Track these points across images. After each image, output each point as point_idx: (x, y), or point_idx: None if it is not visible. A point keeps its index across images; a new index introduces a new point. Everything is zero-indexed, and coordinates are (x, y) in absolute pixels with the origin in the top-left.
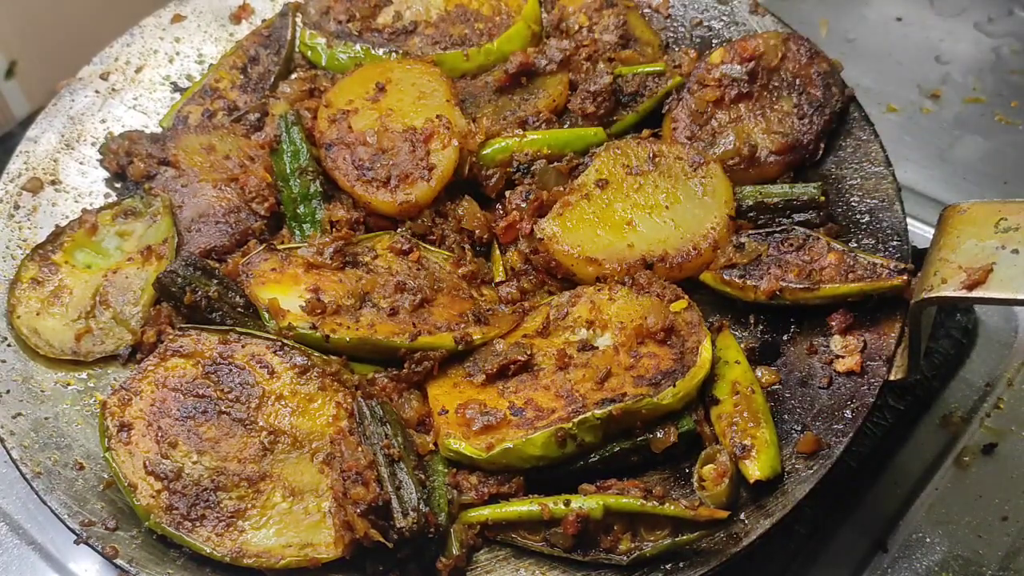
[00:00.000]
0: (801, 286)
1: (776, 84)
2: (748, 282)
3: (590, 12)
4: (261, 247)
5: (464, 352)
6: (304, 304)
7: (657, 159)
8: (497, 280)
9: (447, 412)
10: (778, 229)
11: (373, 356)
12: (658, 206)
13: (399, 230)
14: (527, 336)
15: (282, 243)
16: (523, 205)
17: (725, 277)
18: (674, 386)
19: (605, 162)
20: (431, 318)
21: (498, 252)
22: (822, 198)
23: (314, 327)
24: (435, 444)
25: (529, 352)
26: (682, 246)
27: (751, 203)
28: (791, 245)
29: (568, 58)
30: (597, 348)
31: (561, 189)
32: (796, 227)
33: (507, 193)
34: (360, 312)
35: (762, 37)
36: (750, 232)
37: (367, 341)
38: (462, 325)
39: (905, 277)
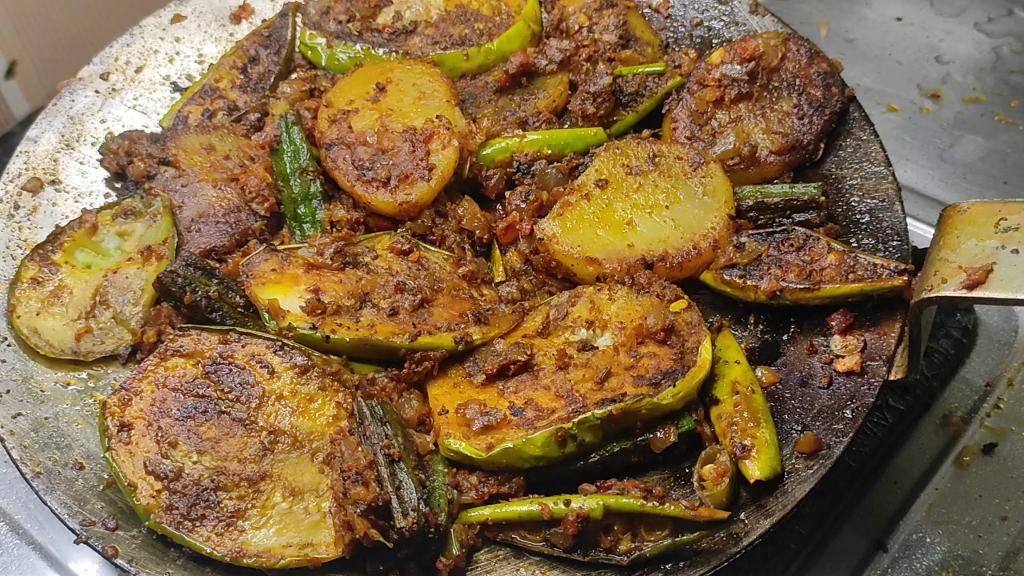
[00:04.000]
0: (801, 286)
1: (776, 84)
2: (748, 282)
3: (590, 12)
4: (261, 247)
5: (464, 352)
6: (304, 304)
7: (657, 159)
8: (497, 280)
9: (447, 412)
10: (778, 229)
11: (373, 356)
12: (658, 206)
13: (399, 230)
14: (527, 336)
15: (282, 243)
16: (523, 205)
17: (725, 277)
18: (674, 386)
19: (605, 162)
20: (431, 318)
21: (498, 252)
22: (822, 198)
23: (314, 327)
24: (435, 444)
25: (529, 352)
26: (682, 245)
27: (751, 203)
28: (791, 245)
29: (568, 58)
30: (597, 348)
31: (561, 189)
32: (796, 227)
33: (507, 193)
34: (360, 313)
35: (762, 37)
36: (750, 232)
37: (367, 342)
38: (462, 325)
39: (905, 278)
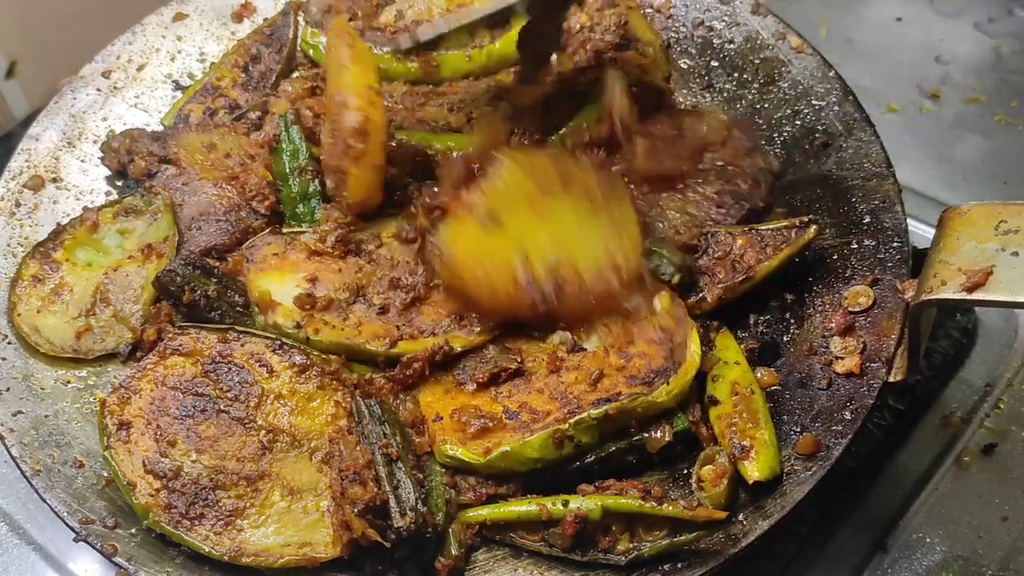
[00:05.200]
0: (740, 279)
1: (707, 167)
2: (691, 299)
3: (591, 12)
4: (266, 230)
5: (452, 359)
6: (295, 298)
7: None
8: None
9: (441, 419)
10: None
11: (355, 359)
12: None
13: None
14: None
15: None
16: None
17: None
18: (668, 383)
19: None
20: (419, 318)
21: None
22: None
23: (299, 326)
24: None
25: (519, 359)
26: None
27: None
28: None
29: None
30: (587, 350)
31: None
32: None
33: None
34: (351, 308)
35: (709, 119)
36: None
37: (346, 346)
38: (446, 329)
39: (814, 227)
